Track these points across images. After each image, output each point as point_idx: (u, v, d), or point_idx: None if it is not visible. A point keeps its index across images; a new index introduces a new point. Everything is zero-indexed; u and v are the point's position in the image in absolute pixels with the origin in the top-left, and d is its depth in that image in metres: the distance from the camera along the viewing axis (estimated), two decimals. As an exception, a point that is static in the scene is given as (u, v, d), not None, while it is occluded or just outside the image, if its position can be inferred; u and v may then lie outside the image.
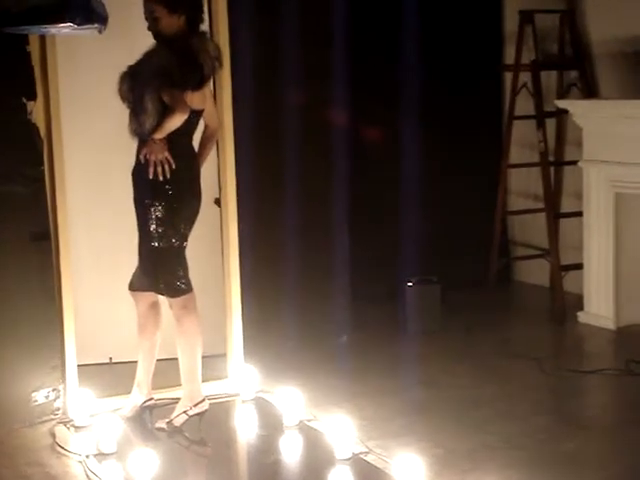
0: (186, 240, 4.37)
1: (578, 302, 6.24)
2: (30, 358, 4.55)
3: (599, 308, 6.09)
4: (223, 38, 4.72)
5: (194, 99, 4.23)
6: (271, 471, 4.10)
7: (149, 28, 4.26)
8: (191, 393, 4.43)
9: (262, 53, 5.36)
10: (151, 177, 4.22)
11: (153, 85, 4.15)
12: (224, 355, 4.98)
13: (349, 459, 4.05)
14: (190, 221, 4.37)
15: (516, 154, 6.88)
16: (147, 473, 3.85)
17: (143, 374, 4.52)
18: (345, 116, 5.79)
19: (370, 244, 6.54)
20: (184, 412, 4.42)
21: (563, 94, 6.73)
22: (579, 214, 6.28)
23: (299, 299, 5.53)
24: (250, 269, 5.11)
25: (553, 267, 6.55)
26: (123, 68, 4.31)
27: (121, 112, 4.32)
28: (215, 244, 5.00)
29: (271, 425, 4.52)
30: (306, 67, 5.45)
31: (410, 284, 6.01)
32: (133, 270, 4.46)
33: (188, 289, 4.39)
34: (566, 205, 6.83)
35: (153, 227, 4.29)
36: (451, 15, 6.88)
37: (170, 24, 4.22)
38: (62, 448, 4.29)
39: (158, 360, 4.55)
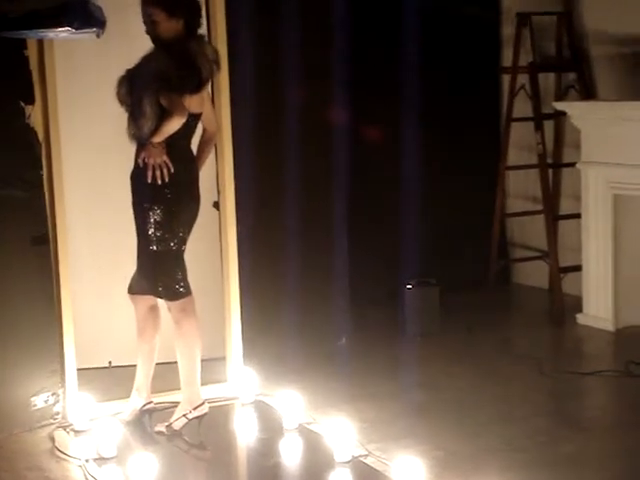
0: (185, 244, 4.37)
1: (577, 304, 6.24)
2: (30, 362, 4.54)
3: (598, 310, 6.09)
4: (221, 41, 4.72)
5: (192, 103, 4.23)
6: (271, 474, 4.10)
7: (147, 32, 4.26)
8: (190, 396, 4.43)
9: (260, 55, 5.35)
10: (150, 181, 4.22)
11: (151, 89, 4.15)
12: (223, 358, 4.98)
13: (349, 462, 4.04)
14: (189, 225, 4.37)
15: (514, 156, 6.88)
16: (147, 477, 3.85)
17: (142, 378, 4.52)
18: (344, 118, 5.78)
19: (369, 246, 6.54)
20: (184, 416, 4.42)
21: (561, 96, 6.74)
22: (577, 216, 6.28)
23: (298, 301, 5.52)
24: (249, 272, 5.10)
25: (552, 269, 6.56)
26: (121, 72, 4.32)
27: (119, 116, 4.32)
28: (214, 247, 5.00)
29: (271, 428, 4.52)
30: (305, 69, 5.44)
31: (409, 286, 6.01)
32: (132, 274, 4.46)
33: (187, 292, 4.39)
34: (564, 207, 6.83)
35: (152, 231, 4.28)
36: (449, 17, 6.88)
37: (169, 28, 4.22)
38: (62, 452, 4.29)
39: (157, 364, 4.55)
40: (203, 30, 4.45)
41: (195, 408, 4.42)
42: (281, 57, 5.38)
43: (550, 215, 6.51)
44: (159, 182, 4.22)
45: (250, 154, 5.16)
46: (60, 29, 3.83)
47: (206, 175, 4.63)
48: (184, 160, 4.33)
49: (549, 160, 6.72)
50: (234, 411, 4.78)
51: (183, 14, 4.23)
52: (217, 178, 4.88)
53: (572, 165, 6.36)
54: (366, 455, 4.11)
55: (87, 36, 4.00)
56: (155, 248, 4.30)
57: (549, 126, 6.76)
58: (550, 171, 6.70)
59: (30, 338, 4.54)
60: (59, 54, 4.55)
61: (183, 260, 4.38)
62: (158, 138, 4.18)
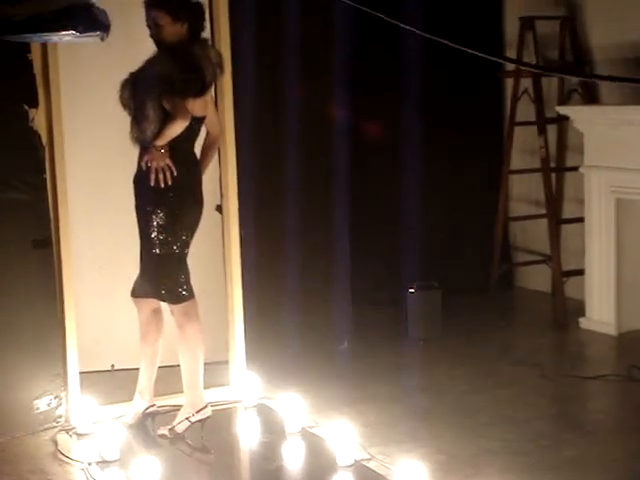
0: (188, 247, 4.37)
1: (580, 308, 6.24)
2: (32, 366, 4.55)
3: (601, 314, 6.08)
4: (224, 45, 4.72)
5: (195, 106, 4.24)
6: (273, 478, 4.11)
7: (151, 36, 4.26)
8: (193, 400, 4.43)
9: (263, 58, 5.36)
10: (153, 184, 4.22)
11: (155, 92, 4.16)
12: (226, 362, 4.98)
13: (351, 466, 4.05)
14: (192, 228, 4.37)
15: (517, 160, 6.89)
16: (149, 480, 3.86)
17: (145, 381, 4.52)
18: (346, 120, 5.79)
19: (371, 249, 6.55)
20: (186, 419, 4.42)
21: (564, 100, 6.74)
22: (580, 220, 6.28)
23: (300, 304, 5.53)
24: (251, 275, 5.10)
25: (554, 273, 6.55)
26: (124, 75, 4.32)
27: (122, 119, 4.32)
28: (217, 251, 5.01)
29: (273, 432, 4.52)
30: (306, 70, 5.46)
31: (412, 290, 6.01)
32: (135, 277, 4.47)
33: (190, 296, 4.39)
34: (567, 211, 6.83)
35: (154, 234, 4.29)
36: (452, 20, 6.87)
37: (173, 32, 4.23)
38: (64, 456, 4.29)
39: (160, 367, 4.55)
40: (206, 34, 4.46)
41: (198, 411, 4.42)
42: (283, 59, 5.40)
43: (553, 219, 6.51)
44: (162, 185, 4.22)
45: (251, 155, 5.17)
46: (64, 33, 3.81)
47: (209, 179, 4.64)
48: (187, 163, 4.33)
49: (552, 164, 6.72)
50: (237, 414, 4.78)
51: (187, 18, 4.24)
52: (220, 181, 4.89)
53: (575, 169, 6.36)
54: (368, 459, 4.11)
55: (91, 40, 3.99)
56: (158, 251, 4.31)
57: (552, 130, 6.76)
58: (553, 175, 6.70)
59: (33, 341, 4.55)
60: (63, 57, 4.55)
61: (186, 263, 4.38)
62: (161, 141, 4.19)
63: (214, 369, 4.89)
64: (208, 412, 4.44)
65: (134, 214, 4.37)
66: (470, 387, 5.12)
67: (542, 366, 5.39)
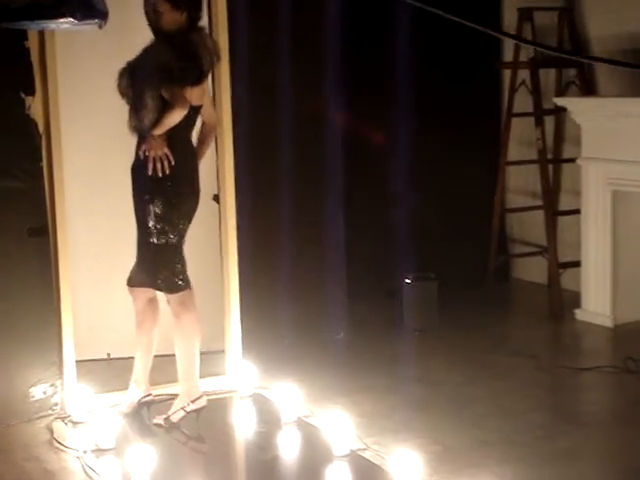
0: (184, 237, 4.36)
1: (576, 299, 6.24)
2: (28, 354, 4.55)
3: (597, 305, 6.09)
4: (222, 33, 4.71)
5: (193, 95, 4.23)
6: (269, 467, 4.11)
7: (150, 23, 4.25)
8: (189, 389, 4.43)
9: (260, 48, 5.35)
10: (150, 173, 4.21)
11: (153, 81, 4.15)
12: (222, 351, 4.98)
13: (347, 455, 4.05)
14: (188, 217, 4.37)
15: (514, 151, 6.88)
16: (145, 469, 3.84)
17: (141, 370, 4.52)
18: (343, 112, 5.78)
19: (368, 240, 6.54)
20: (182, 408, 4.42)
21: (562, 92, 6.73)
22: (577, 212, 6.28)
23: (296, 295, 5.53)
24: (248, 265, 5.10)
25: (551, 264, 6.56)
26: (122, 64, 4.31)
27: (120, 108, 4.31)
28: (213, 241, 5.00)
29: (269, 421, 4.52)
30: (305, 61, 5.45)
31: (408, 281, 6.01)
32: (131, 266, 4.46)
33: (186, 285, 4.38)
34: (564, 203, 6.83)
35: (152, 223, 4.28)
36: (450, 11, 6.86)
37: (172, 20, 4.21)
38: (60, 444, 4.29)
39: (156, 356, 4.55)
40: (204, 22, 4.45)
41: (193, 401, 4.42)
42: (279, 47, 5.39)
43: (550, 211, 6.51)
44: (160, 174, 4.21)
45: (249, 148, 5.17)
46: (62, 20, 3.80)
47: (206, 168, 4.63)
48: (185, 152, 4.32)
49: (549, 156, 6.71)
50: (232, 404, 4.78)
51: (187, 6, 4.22)
52: (217, 171, 4.88)
53: (572, 161, 6.36)
54: (364, 449, 4.12)
55: (89, 27, 3.97)
56: (155, 241, 4.30)
57: (549, 122, 6.76)
58: (550, 167, 6.70)
59: (29, 329, 4.54)
60: (60, 45, 4.54)
61: (182, 253, 4.37)
62: (159, 130, 4.18)
63: (210, 358, 4.89)
64: (203, 402, 4.44)
65: (131, 203, 4.37)
66: (466, 378, 5.13)
67: (538, 357, 5.40)
